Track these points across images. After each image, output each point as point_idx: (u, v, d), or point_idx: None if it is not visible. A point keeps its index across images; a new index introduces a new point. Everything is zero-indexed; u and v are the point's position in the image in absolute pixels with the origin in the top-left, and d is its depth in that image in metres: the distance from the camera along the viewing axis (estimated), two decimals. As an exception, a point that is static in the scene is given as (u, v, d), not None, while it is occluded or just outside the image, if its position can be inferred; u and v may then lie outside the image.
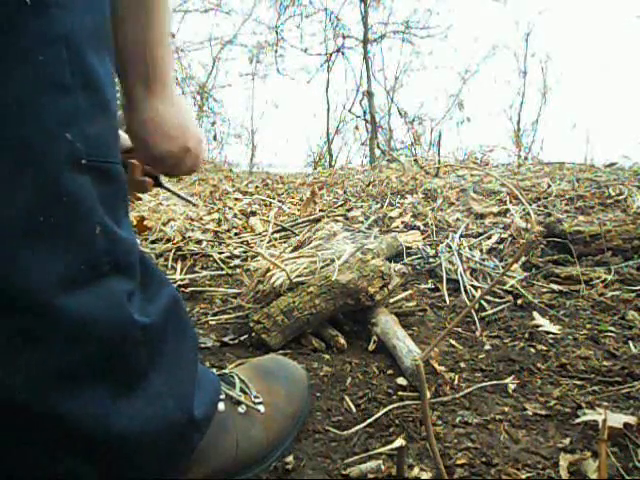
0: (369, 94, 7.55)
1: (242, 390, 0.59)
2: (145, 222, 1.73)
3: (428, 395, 0.71)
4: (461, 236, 1.48)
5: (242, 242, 1.60)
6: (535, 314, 0.99)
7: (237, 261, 1.45)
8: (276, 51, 8.28)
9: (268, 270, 1.04)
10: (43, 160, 0.35)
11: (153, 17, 0.55)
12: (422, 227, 1.66)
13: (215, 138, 8.79)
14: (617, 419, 0.61)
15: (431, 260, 1.33)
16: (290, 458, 0.59)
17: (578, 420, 0.64)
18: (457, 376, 0.77)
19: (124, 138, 0.65)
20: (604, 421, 0.48)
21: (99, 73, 0.39)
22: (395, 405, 0.69)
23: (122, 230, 0.41)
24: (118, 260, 0.41)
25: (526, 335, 0.92)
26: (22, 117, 0.34)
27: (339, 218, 1.88)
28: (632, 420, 0.61)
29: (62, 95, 0.36)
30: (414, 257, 1.38)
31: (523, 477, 0.54)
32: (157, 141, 0.61)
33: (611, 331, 0.92)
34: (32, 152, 0.34)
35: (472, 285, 1.16)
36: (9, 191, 0.33)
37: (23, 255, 0.34)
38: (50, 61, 0.35)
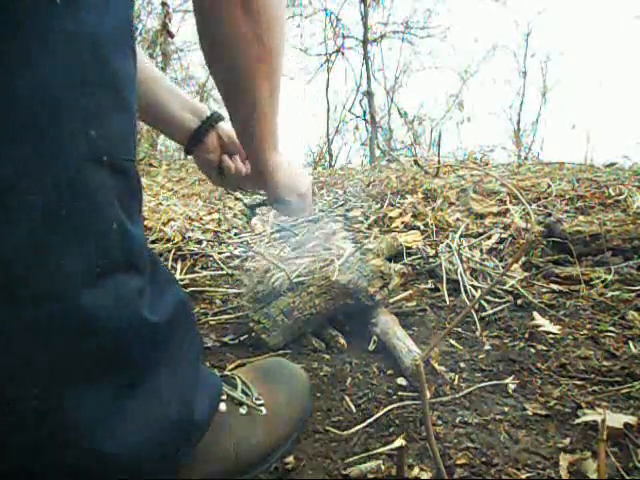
0: (369, 94, 7.55)
1: (244, 391, 0.59)
2: (145, 222, 1.73)
3: (428, 395, 0.71)
4: (461, 236, 1.48)
5: (242, 242, 1.60)
6: (535, 314, 0.99)
7: (237, 261, 1.45)
8: (276, 51, 8.26)
9: (268, 270, 1.04)
10: (66, 156, 0.35)
11: (275, 101, 0.68)
12: (422, 227, 1.66)
13: (215, 138, 8.77)
14: (617, 419, 0.61)
15: (431, 260, 1.33)
16: (290, 458, 0.59)
17: (578, 420, 0.64)
18: (457, 376, 0.77)
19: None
20: (603, 421, 0.49)
21: (121, 73, 0.39)
22: (395, 405, 0.69)
23: (135, 227, 0.42)
24: (131, 256, 0.41)
25: (526, 335, 0.92)
26: (47, 114, 0.34)
27: (339, 218, 1.88)
28: (632, 420, 0.61)
29: (86, 93, 0.36)
30: (414, 257, 1.38)
31: (523, 477, 0.54)
32: (295, 183, 0.79)
33: (611, 331, 0.92)
34: (55, 148, 0.35)
35: (472, 285, 1.16)
36: (32, 185, 0.34)
37: (43, 249, 0.35)
38: (76, 60, 0.35)
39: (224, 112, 0.77)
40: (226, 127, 0.82)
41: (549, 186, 2.14)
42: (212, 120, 0.80)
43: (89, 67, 0.36)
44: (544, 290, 1.14)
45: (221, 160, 0.82)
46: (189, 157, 0.85)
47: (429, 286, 1.22)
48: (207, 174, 0.86)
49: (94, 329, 0.38)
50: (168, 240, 1.60)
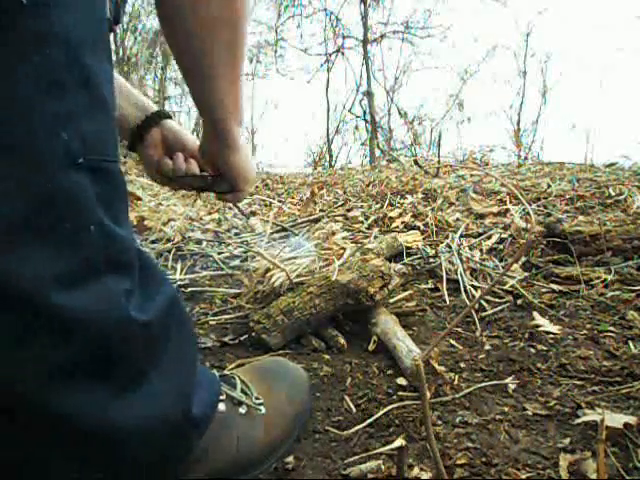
0: (369, 94, 7.55)
1: (243, 391, 0.59)
2: (145, 222, 1.73)
3: (428, 395, 0.71)
4: (461, 236, 1.48)
5: (242, 242, 1.60)
6: (535, 314, 0.99)
7: (237, 261, 1.45)
8: (276, 51, 8.29)
9: (268, 270, 1.04)
10: (39, 159, 0.35)
11: (238, 71, 0.63)
12: (422, 227, 1.66)
13: (215, 138, 8.76)
14: (617, 419, 0.61)
15: (431, 260, 1.33)
16: (290, 458, 0.59)
17: (578, 420, 0.64)
18: (457, 376, 0.77)
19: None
20: (603, 421, 0.49)
21: (96, 72, 0.39)
22: (395, 405, 0.69)
23: (120, 228, 0.41)
24: (115, 258, 0.41)
25: (526, 335, 0.92)
26: (18, 116, 0.34)
27: (339, 218, 1.88)
28: (632, 420, 0.61)
29: (59, 94, 0.36)
30: (414, 257, 1.38)
31: (523, 477, 0.54)
32: (251, 167, 0.76)
33: (611, 331, 0.92)
34: (28, 151, 0.34)
35: (472, 285, 1.16)
36: (5, 189, 0.34)
37: (19, 253, 0.34)
38: (47, 61, 0.35)
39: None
40: (172, 125, 0.79)
41: (549, 186, 2.14)
42: (156, 116, 0.77)
43: (61, 68, 0.36)
44: (544, 290, 1.14)
45: (160, 158, 0.78)
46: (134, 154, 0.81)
47: (429, 286, 1.22)
48: (147, 170, 0.82)
49: (78, 331, 0.38)
50: (168, 240, 1.60)
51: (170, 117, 0.80)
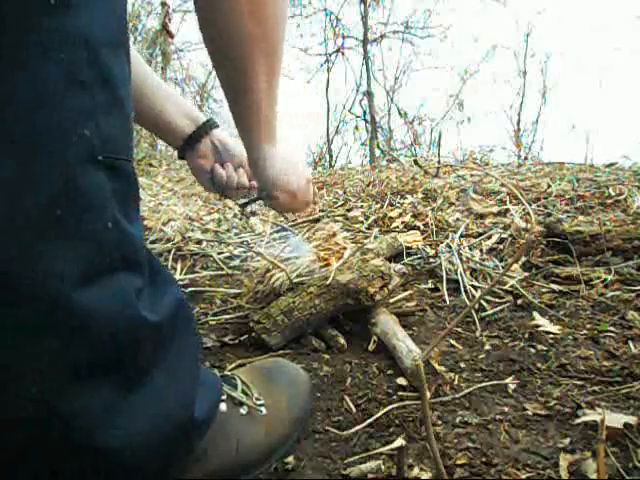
0: (369, 94, 7.55)
1: (244, 392, 0.59)
2: (145, 222, 1.73)
3: (428, 395, 0.71)
4: (461, 236, 1.48)
5: (242, 242, 1.60)
6: (535, 314, 0.99)
7: (237, 261, 1.45)
8: (276, 51, 8.27)
9: (268, 270, 1.04)
10: (61, 155, 0.35)
11: (272, 88, 0.68)
12: (422, 227, 1.66)
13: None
14: (617, 419, 0.61)
15: (431, 260, 1.33)
16: (290, 458, 0.59)
17: (578, 420, 0.64)
18: (457, 376, 0.77)
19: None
20: (603, 421, 0.49)
21: (115, 73, 0.39)
22: (395, 405, 0.69)
23: (132, 227, 0.42)
24: (128, 256, 0.41)
25: (526, 335, 0.92)
26: (42, 113, 0.34)
27: (339, 218, 1.88)
28: (632, 420, 0.61)
29: (81, 92, 0.36)
30: (414, 257, 1.38)
31: (523, 477, 0.54)
32: (277, 187, 0.77)
33: (611, 331, 0.92)
34: (50, 147, 0.35)
35: (472, 285, 1.16)
36: (26, 185, 0.34)
37: (37, 248, 0.35)
38: (71, 59, 0.35)
39: (221, 114, 0.79)
40: (220, 134, 0.83)
41: (549, 186, 2.14)
42: (207, 126, 0.82)
43: (83, 66, 0.36)
44: (544, 290, 1.14)
45: (212, 167, 0.83)
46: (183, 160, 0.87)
47: (429, 286, 1.22)
48: (199, 179, 0.87)
49: (90, 328, 0.38)
50: (168, 240, 1.60)
51: (218, 126, 0.84)
